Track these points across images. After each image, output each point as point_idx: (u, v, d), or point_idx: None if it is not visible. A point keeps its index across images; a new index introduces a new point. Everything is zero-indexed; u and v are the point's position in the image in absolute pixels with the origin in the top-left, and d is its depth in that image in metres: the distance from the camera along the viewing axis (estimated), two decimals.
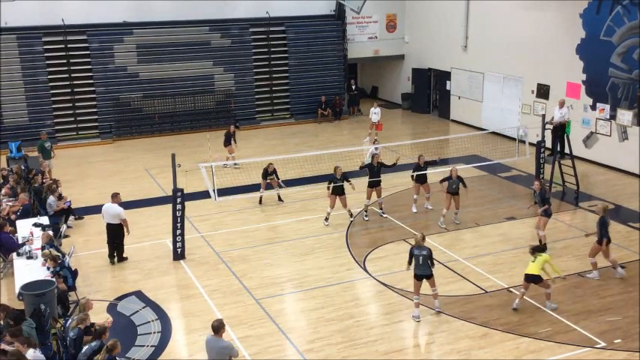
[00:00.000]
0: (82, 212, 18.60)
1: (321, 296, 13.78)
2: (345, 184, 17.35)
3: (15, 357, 9.74)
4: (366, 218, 17.87)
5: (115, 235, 15.42)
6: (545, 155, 19.44)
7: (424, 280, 12.63)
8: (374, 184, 17.74)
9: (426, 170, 18.10)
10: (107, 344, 9.82)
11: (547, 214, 15.64)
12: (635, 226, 17.03)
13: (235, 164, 21.72)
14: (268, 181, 19.18)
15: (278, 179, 19.44)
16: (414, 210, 18.39)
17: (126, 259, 15.64)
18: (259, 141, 26.60)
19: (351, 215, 17.79)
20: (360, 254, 15.74)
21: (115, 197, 15.45)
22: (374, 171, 17.72)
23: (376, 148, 19.82)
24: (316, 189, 19.91)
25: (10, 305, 12.89)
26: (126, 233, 15.47)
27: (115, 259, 15.51)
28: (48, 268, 13.30)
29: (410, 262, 12.73)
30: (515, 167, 21.83)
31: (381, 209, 18.15)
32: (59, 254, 13.83)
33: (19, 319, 11.50)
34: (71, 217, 17.89)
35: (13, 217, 16.53)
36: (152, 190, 20.84)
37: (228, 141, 22.68)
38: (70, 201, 18.24)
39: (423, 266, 12.55)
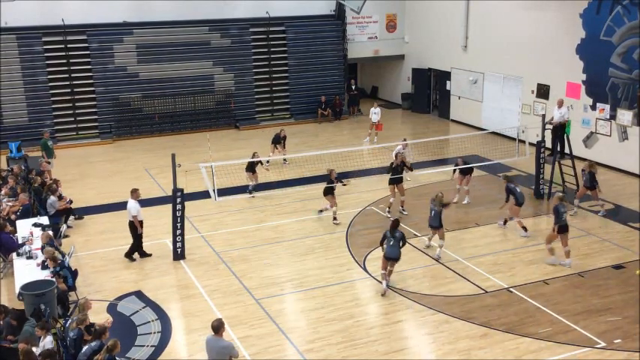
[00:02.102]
0: (82, 212, 18.62)
1: (321, 296, 13.79)
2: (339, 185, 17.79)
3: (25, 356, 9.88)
4: (389, 215, 17.90)
5: (131, 231, 15.61)
6: (545, 155, 19.43)
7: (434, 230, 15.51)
8: (395, 181, 17.99)
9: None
10: (107, 344, 9.83)
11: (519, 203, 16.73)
12: (635, 226, 17.03)
13: (267, 162, 22.24)
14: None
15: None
16: (455, 200, 18.87)
17: (134, 260, 15.68)
18: (259, 141, 26.55)
19: (335, 219, 17.79)
20: (360, 254, 15.74)
21: (132, 193, 15.62)
22: (397, 170, 18.00)
23: (403, 147, 20.29)
24: (316, 189, 19.90)
25: (10, 305, 12.95)
26: (139, 230, 15.59)
27: (133, 255, 15.74)
28: (46, 267, 13.30)
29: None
30: (515, 167, 21.84)
31: (402, 207, 18.27)
32: (59, 254, 13.83)
33: (21, 318, 11.53)
34: (71, 217, 17.91)
35: (13, 217, 16.53)
36: (152, 190, 20.83)
37: (277, 140, 22.77)
38: (71, 200, 18.26)
39: (435, 218, 15.33)
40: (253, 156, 19.79)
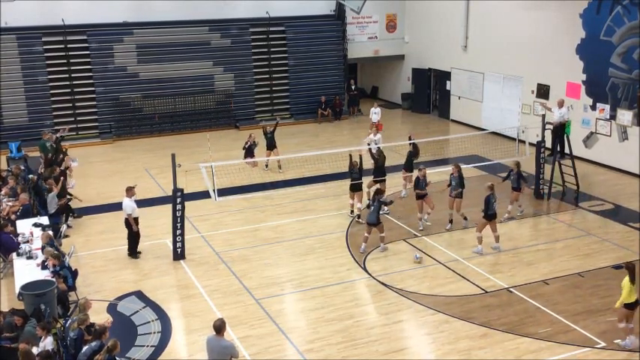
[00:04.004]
0: (82, 212, 18.63)
1: (321, 296, 13.79)
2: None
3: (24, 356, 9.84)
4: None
5: (127, 229, 15.78)
6: (545, 155, 19.43)
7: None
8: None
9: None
10: (107, 344, 9.83)
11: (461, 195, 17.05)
12: (635, 226, 17.04)
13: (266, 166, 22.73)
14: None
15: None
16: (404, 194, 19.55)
17: (136, 255, 15.84)
18: (259, 140, 26.58)
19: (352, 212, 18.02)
20: (360, 254, 15.74)
21: (127, 191, 15.75)
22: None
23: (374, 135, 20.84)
24: (316, 189, 19.96)
25: (9, 305, 12.96)
26: (134, 229, 15.72)
27: (131, 253, 15.91)
28: (45, 267, 13.31)
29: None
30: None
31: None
32: (59, 254, 13.83)
33: (25, 318, 11.48)
34: (69, 218, 17.87)
35: (13, 217, 16.53)
36: (152, 190, 20.85)
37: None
38: (70, 197, 18.30)
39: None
40: (249, 138, 20.69)
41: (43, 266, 13.43)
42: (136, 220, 15.69)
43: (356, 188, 17.65)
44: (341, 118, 30.48)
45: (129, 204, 15.58)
